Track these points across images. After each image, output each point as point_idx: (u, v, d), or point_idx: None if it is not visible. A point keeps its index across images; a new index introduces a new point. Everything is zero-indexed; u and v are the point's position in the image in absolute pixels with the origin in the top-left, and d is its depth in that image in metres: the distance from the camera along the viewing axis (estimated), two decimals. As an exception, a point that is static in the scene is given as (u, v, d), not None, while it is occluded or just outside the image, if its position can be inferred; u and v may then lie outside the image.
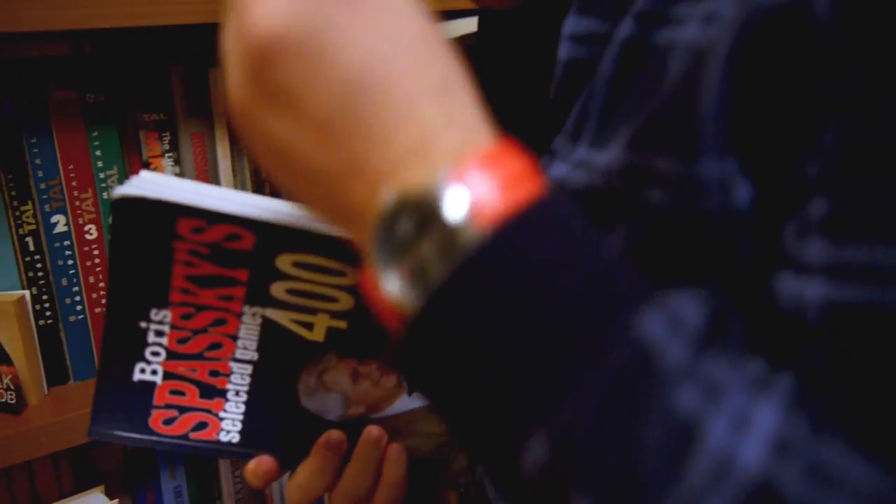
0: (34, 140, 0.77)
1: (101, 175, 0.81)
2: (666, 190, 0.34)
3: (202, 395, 0.50)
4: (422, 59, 0.30)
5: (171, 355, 0.48)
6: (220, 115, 0.87)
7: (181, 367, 0.49)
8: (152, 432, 0.50)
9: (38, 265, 0.80)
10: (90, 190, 0.81)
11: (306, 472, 0.51)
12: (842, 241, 0.28)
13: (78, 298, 0.82)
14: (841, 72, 0.28)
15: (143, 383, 0.48)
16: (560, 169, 0.41)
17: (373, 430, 0.51)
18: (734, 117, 0.32)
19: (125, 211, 0.42)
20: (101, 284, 0.83)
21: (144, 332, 0.46)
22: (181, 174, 0.87)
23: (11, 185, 0.77)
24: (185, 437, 0.50)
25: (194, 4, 0.76)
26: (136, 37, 0.84)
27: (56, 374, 0.83)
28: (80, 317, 0.83)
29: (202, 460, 0.95)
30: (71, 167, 0.79)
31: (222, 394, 0.50)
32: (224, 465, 0.96)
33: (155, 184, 0.43)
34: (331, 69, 0.30)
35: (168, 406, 0.49)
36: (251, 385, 0.50)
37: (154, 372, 0.48)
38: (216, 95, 0.87)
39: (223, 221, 0.42)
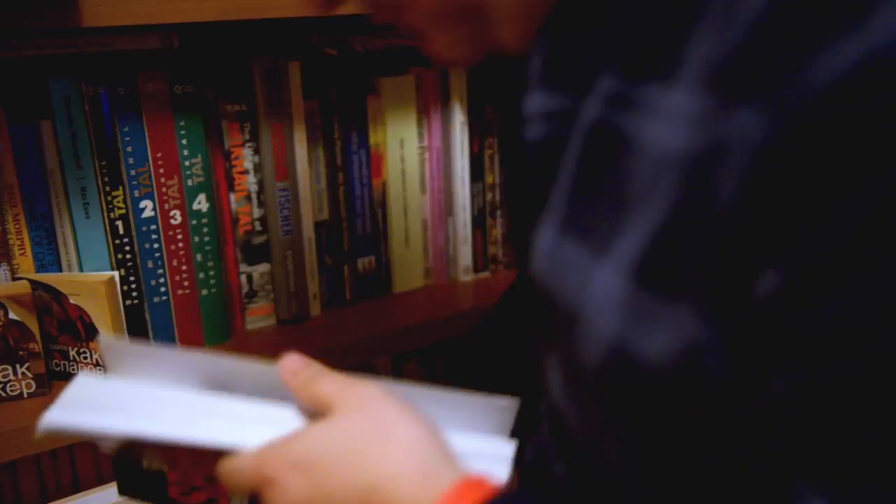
0: (126, 129, 0.81)
1: (186, 163, 0.85)
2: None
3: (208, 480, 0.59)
4: (417, 460, 0.46)
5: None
6: (297, 108, 0.90)
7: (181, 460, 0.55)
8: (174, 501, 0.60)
9: (127, 248, 0.84)
10: (176, 177, 0.85)
11: None
12: None
13: (162, 280, 0.86)
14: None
15: (151, 471, 0.59)
16: (537, 251, 0.44)
17: None
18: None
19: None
20: (184, 268, 0.87)
21: None
22: (260, 164, 0.90)
23: (105, 171, 0.81)
24: None
25: (267, 2, 0.79)
26: (221, 30, 0.87)
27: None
28: (164, 298, 0.87)
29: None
30: (159, 155, 0.83)
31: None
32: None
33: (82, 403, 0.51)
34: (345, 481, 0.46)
35: (180, 483, 0.60)
36: None
37: (161, 463, 0.59)
38: (295, 88, 0.90)
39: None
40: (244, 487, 0.48)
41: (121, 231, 0.83)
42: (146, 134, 0.82)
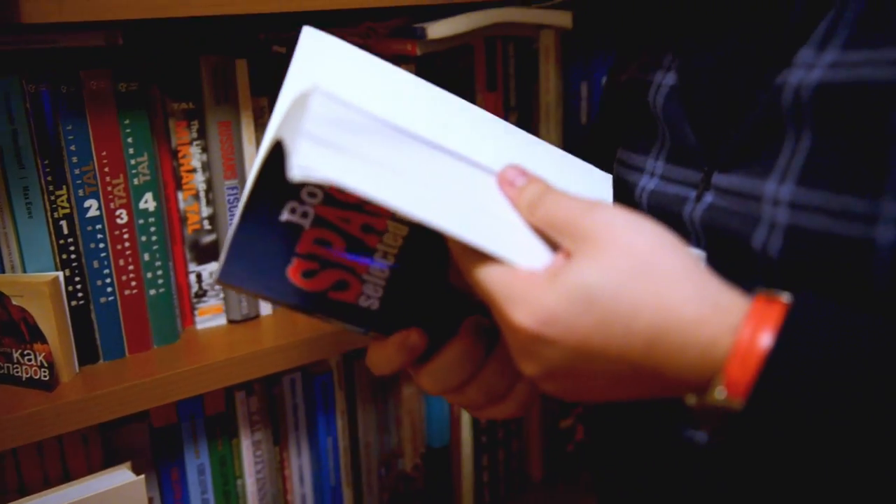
0: (69, 127, 0.80)
1: (132, 162, 0.84)
2: None
3: (349, 250, 0.46)
4: (695, 295, 0.40)
5: (328, 199, 0.44)
6: (245, 105, 0.90)
7: (334, 215, 0.45)
8: (288, 283, 0.45)
9: (72, 248, 0.83)
10: (121, 176, 0.84)
11: (449, 358, 0.49)
12: None
13: (108, 281, 0.85)
14: None
15: (290, 225, 0.44)
16: (807, 75, 0.45)
17: None
18: None
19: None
20: (131, 268, 0.86)
21: None
22: (208, 162, 0.90)
23: (47, 170, 0.80)
24: (322, 294, 0.46)
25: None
26: (167, 28, 0.86)
27: (87, 354, 0.86)
28: (111, 298, 0.86)
29: (224, 439, 0.98)
30: (104, 153, 0.82)
31: (370, 253, 0.46)
32: (246, 445, 0.99)
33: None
34: (623, 337, 0.39)
35: (311, 256, 0.45)
36: (402, 248, 0.47)
37: (304, 215, 0.45)
38: (242, 85, 0.89)
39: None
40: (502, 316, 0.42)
41: (65, 231, 0.82)
42: (90, 132, 0.81)
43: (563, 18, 0.99)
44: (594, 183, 0.55)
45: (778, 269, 0.47)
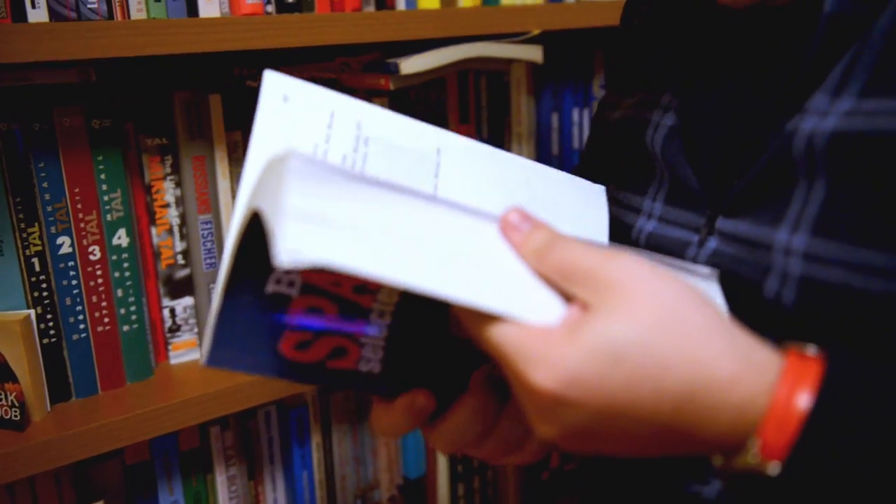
0: (41, 164, 0.80)
1: (105, 198, 0.84)
2: None
3: (342, 314, 0.43)
4: (727, 352, 0.37)
5: None
6: (220, 139, 0.90)
7: (324, 280, 0.42)
8: (281, 358, 0.42)
9: (44, 285, 0.82)
10: (94, 212, 0.83)
11: (461, 416, 0.46)
12: None
13: (81, 318, 0.85)
14: None
15: (276, 296, 0.41)
16: (821, 122, 0.44)
17: None
18: None
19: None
20: (104, 304, 0.85)
21: None
22: (182, 197, 0.89)
23: (19, 207, 0.79)
24: (320, 364, 0.43)
25: (197, 35, 0.79)
26: (141, 63, 0.87)
27: (59, 392, 0.85)
28: (83, 335, 0.85)
29: (198, 475, 0.97)
30: (76, 190, 0.82)
31: (365, 314, 0.43)
32: (221, 480, 0.99)
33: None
34: (652, 396, 0.37)
35: (303, 327, 0.42)
36: (399, 305, 0.44)
37: (291, 283, 0.41)
38: (216, 120, 0.90)
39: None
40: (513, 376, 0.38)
41: (37, 268, 0.81)
42: (63, 169, 0.81)
43: (533, 53, 1.01)
44: (588, 198, 0.54)
45: (792, 319, 0.45)
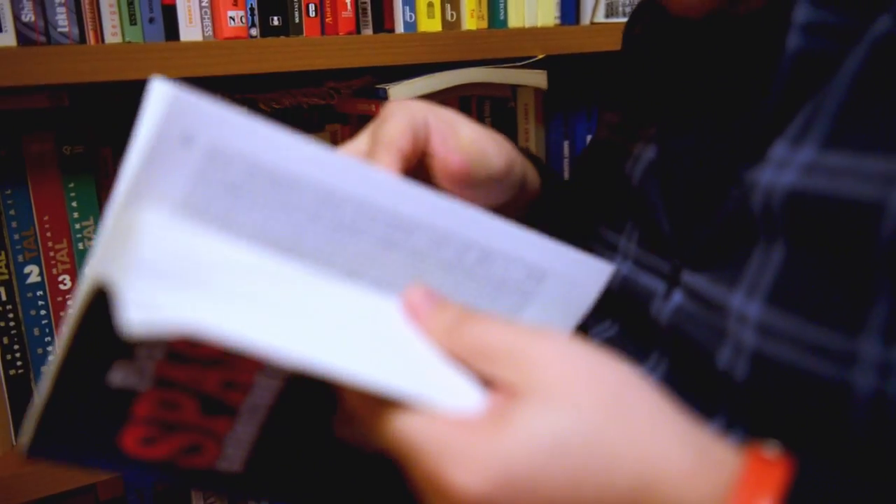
0: (8, 191, 0.77)
1: (77, 226, 0.81)
2: None
3: (204, 411, 0.36)
4: (680, 444, 0.32)
5: (173, 357, 0.34)
6: (201, 167, 0.87)
7: (183, 376, 0.36)
8: (120, 454, 0.36)
9: (10, 315, 0.80)
10: (65, 241, 0.81)
11: None
12: None
13: (50, 349, 0.82)
14: None
15: (120, 392, 0.35)
16: (779, 175, 0.39)
17: None
18: None
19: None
20: (74, 335, 0.83)
21: None
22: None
23: (-16, 235, 0.77)
24: (167, 463, 0.37)
25: (170, 59, 0.76)
26: (117, 88, 0.84)
27: (23, 428, 0.82)
28: (52, 367, 0.82)
29: (175, 500, 0.94)
30: (46, 218, 0.79)
31: (231, 413, 0.37)
32: (197, 520, 0.95)
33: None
34: (597, 495, 0.31)
35: (151, 421, 0.36)
36: (275, 406, 0.37)
37: (141, 375, 0.35)
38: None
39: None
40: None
41: (3, 298, 0.79)
42: (31, 197, 0.78)
43: (537, 78, 0.95)
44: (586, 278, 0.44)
45: (743, 397, 0.40)
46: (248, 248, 0.36)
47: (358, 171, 0.37)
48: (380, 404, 0.33)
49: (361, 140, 0.47)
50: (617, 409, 0.32)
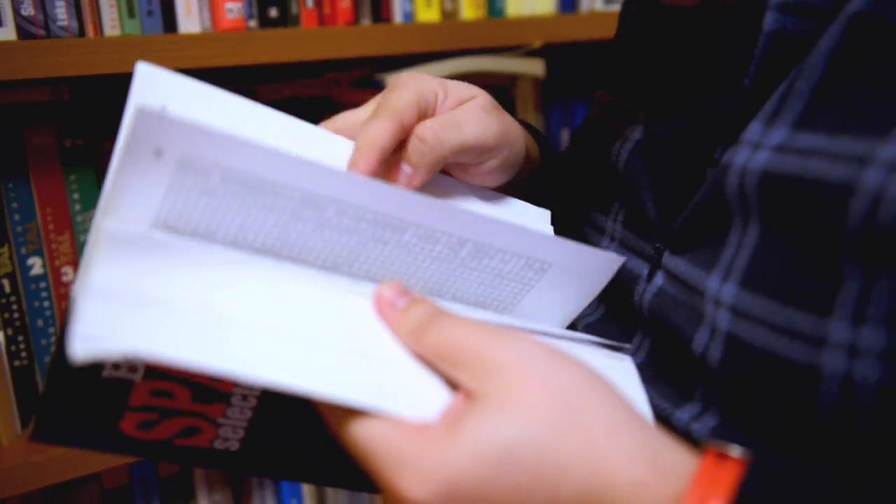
0: (11, 185, 0.78)
1: (79, 218, 0.82)
2: None
3: (196, 399, 0.38)
4: (633, 453, 0.32)
5: None
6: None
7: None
8: (122, 437, 0.38)
9: (14, 307, 0.81)
10: (67, 232, 0.81)
11: None
12: None
13: (54, 340, 0.83)
14: None
15: (115, 382, 0.36)
16: (753, 156, 0.39)
17: None
18: None
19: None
20: (78, 326, 0.84)
21: None
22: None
23: (-13, 228, 0.78)
24: (166, 442, 0.39)
25: (169, 52, 0.77)
26: (118, 80, 0.85)
27: (30, 415, 0.83)
28: (56, 358, 0.83)
29: (180, 501, 0.95)
30: (48, 210, 0.80)
31: (224, 398, 0.38)
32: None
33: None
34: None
35: (147, 408, 0.37)
36: (265, 392, 0.39)
37: (132, 368, 0.36)
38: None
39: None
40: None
41: (7, 290, 0.80)
42: (33, 189, 0.79)
43: (534, 67, 0.95)
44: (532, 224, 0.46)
45: (718, 379, 0.40)
46: (227, 252, 0.37)
47: (334, 175, 0.37)
48: (341, 409, 0.33)
49: (367, 107, 0.47)
50: (570, 417, 0.32)
